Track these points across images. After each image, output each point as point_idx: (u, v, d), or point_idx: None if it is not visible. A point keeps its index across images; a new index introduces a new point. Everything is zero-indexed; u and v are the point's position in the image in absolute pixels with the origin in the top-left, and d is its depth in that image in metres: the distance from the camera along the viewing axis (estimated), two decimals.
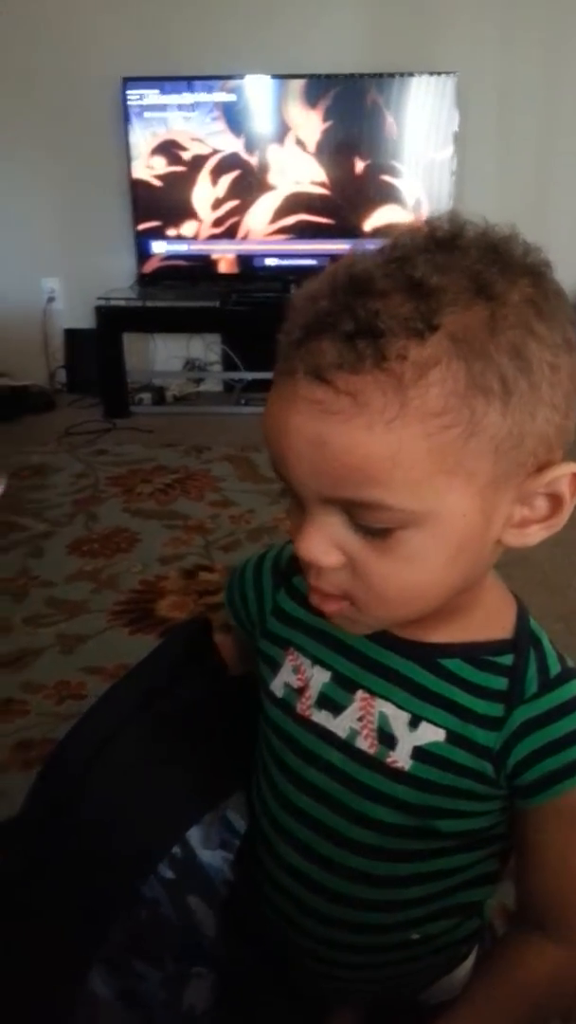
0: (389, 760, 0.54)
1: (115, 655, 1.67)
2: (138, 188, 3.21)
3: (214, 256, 3.29)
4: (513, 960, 0.57)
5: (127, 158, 3.18)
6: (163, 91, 3.08)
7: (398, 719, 0.55)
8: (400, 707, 0.55)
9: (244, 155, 3.16)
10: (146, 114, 3.12)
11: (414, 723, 0.54)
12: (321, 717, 0.57)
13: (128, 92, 3.09)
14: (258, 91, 3.09)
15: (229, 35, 3.14)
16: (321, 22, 3.16)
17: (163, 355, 3.60)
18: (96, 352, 3.31)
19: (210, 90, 3.08)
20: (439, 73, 3.06)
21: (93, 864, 0.53)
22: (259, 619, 0.64)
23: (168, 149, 3.16)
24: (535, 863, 0.56)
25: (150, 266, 3.30)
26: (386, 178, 3.20)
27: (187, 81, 3.07)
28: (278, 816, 0.60)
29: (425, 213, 3.22)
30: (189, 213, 3.23)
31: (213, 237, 3.25)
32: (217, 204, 3.21)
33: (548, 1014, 0.59)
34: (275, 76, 3.07)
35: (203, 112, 3.10)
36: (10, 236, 3.50)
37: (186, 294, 3.28)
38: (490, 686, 0.54)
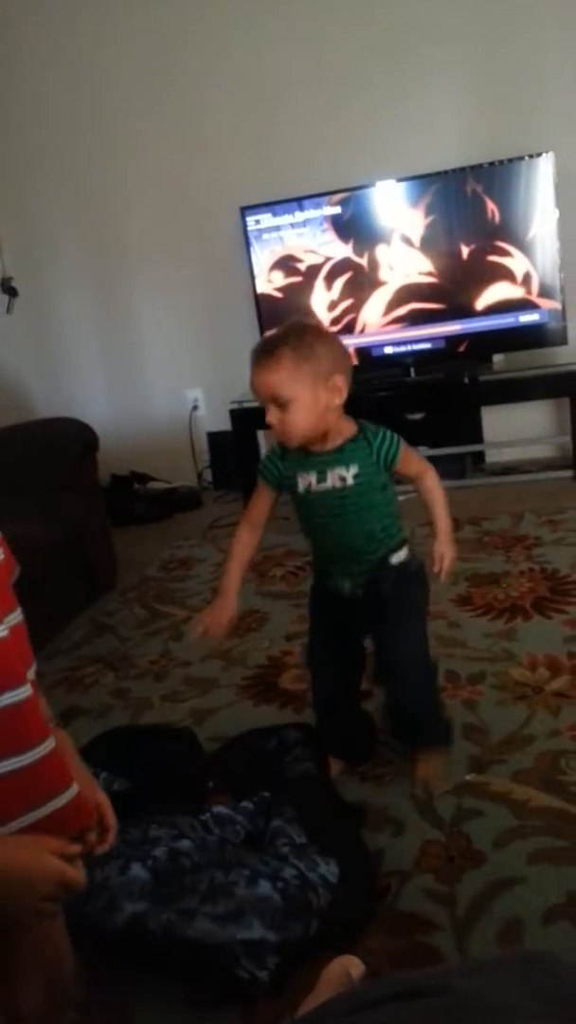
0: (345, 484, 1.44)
1: (240, 725, 1.82)
2: (262, 301, 3.53)
3: None
4: (432, 491, 1.50)
5: (251, 276, 3.53)
6: (275, 214, 3.42)
7: (344, 472, 1.43)
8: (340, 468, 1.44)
9: (355, 258, 3.41)
10: (264, 236, 3.47)
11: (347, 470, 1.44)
12: (318, 488, 1.44)
13: (247, 219, 3.46)
14: (362, 200, 3.36)
15: (332, 154, 3.46)
16: (418, 128, 3.42)
17: None
18: (234, 451, 3.60)
19: (318, 206, 3.38)
20: (535, 155, 3.20)
21: None
22: (279, 472, 1.48)
23: (285, 263, 3.48)
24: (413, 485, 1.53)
25: None
26: (493, 258, 3.33)
27: (297, 201, 3.40)
28: (320, 535, 1.49)
29: (536, 285, 3.31)
30: (309, 317, 3.50)
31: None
32: (333, 305, 3.47)
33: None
34: (377, 184, 3.34)
35: (314, 226, 3.41)
36: (157, 356, 3.94)
37: None
38: (359, 447, 1.44)
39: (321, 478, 1.43)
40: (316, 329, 1.44)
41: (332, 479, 1.43)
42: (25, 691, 0.82)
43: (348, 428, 1.44)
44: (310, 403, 1.36)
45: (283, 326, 1.41)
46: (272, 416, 1.37)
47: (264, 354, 1.36)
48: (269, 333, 1.42)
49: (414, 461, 1.48)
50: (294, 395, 1.34)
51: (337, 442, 1.43)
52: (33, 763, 0.81)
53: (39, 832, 0.82)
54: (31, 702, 0.83)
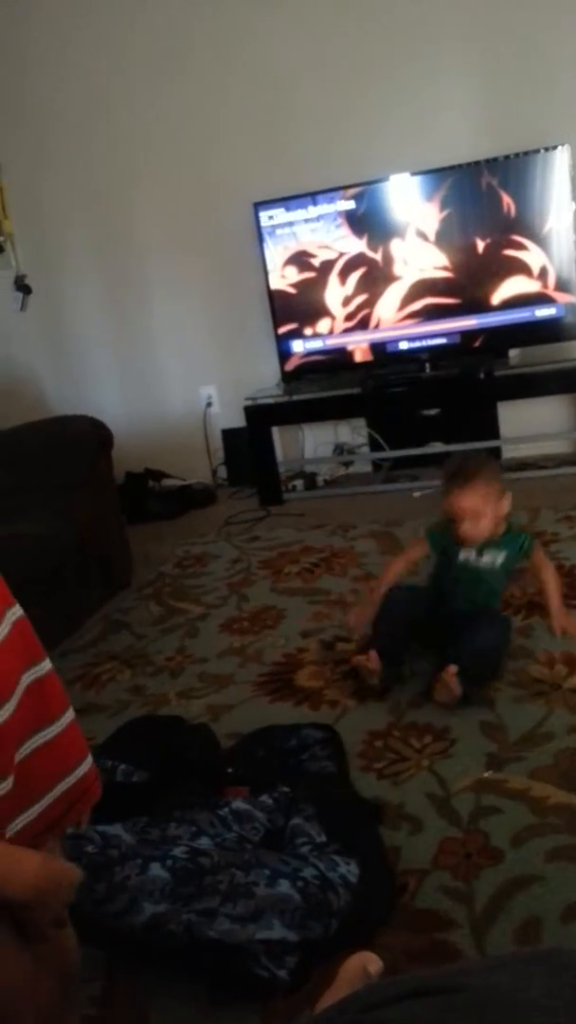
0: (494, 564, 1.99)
1: (256, 721, 1.82)
2: (275, 297, 3.53)
3: (349, 347, 3.52)
4: (548, 574, 1.99)
5: (264, 272, 3.52)
6: (288, 209, 3.41)
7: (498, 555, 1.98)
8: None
9: (369, 253, 3.40)
10: (277, 231, 3.46)
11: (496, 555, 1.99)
12: (476, 562, 1.97)
13: (260, 214, 3.45)
14: (377, 194, 3.34)
15: (345, 149, 3.45)
16: (432, 121, 3.40)
17: (313, 443, 3.85)
18: (248, 448, 3.60)
19: (332, 201, 3.37)
20: (551, 148, 3.17)
21: None
22: (441, 542, 2.01)
23: (299, 259, 3.47)
24: (533, 570, 2.03)
25: (291, 364, 3.58)
26: (509, 252, 3.30)
27: (311, 196, 3.39)
28: (449, 591, 2.01)
29: (552, 279, 3.28)
30: (323, 312, 3.50)
31: (347, 330, 3.49)
32: (347, 301, 3.46)
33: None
34: (391, 178, 3.32)
35: (327, 221, 3.40)
36: (170, 353, 3.94)
37: (328, 384, 3.52)
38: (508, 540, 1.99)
39: (478, 556, 1.97)
40: (492, 461, 2.08)
41: (487, 558, 1.97)
42: (46, 665, 0.85)
43: (501, 527, 1.97)
44: (492, 516, 1.91)
45: (469, 459, 1.99)
46: (467, 526, 1.89)
47: (463, 481, 1.89)
48: (461, 464, 1.94)
49: (541, 556, 2.03)
50: (484, 512, 1.89)
51: (495, 536, 1.95)
52: (57, 735, 0.84)
53: (68, 802, 0.84)
54: (52, 676, 0.85)
